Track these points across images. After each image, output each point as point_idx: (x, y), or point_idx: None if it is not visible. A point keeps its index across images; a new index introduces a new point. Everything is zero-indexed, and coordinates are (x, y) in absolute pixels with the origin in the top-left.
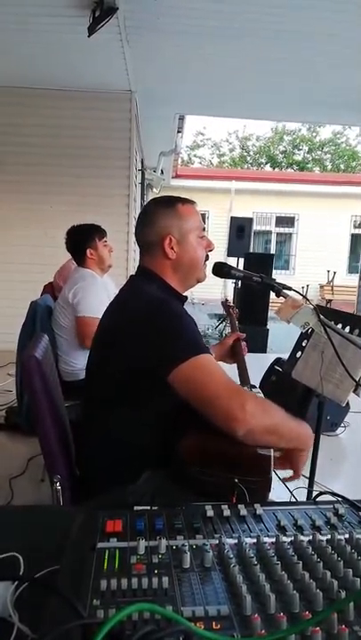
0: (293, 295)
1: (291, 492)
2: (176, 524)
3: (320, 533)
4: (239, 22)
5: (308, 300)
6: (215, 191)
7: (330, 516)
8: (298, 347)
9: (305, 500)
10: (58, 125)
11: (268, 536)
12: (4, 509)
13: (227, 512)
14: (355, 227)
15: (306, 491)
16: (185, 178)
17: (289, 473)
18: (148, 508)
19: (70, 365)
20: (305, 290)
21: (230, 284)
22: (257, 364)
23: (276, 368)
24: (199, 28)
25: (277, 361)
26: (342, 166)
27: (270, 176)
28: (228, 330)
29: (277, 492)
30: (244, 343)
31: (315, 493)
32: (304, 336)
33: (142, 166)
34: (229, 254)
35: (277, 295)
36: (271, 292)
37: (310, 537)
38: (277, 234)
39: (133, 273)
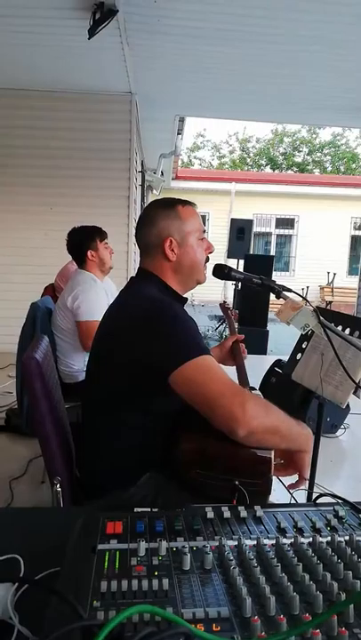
0: (293, 297)
1: (291, 494)
2: (176, 525)
3: (320, 535)
4: (239, 25)
5: (308, 301)
6: (215, 193)
7: (330, 518)
8: (298, 348)
9: (305, 501)
10: (58, 127)
11: (268, 538)
12: (5, 511)
13: (227, 514)
14: (355, 228)
15: (306, 493)
16: (185, 179)
17: (294, 478)
18: (149, 509)
19: (69, 367)
20: (305, 291)
21: (230, 285)
22: (257, 366)
23: (276, 370)
24: (199, 30)
25: (277, 363)
26: (342, 168)
27: (270, 178)
28: (227, 332)
29: (277, 494)
30: (243, 345)
31: (315, 495)
32: (304, 338)
33: (142, 168)
34: (229, 256)
35: (277, 297)
36: (271, 294)
37: (310, 539)
38: (277, 235)
39: (134, 275)
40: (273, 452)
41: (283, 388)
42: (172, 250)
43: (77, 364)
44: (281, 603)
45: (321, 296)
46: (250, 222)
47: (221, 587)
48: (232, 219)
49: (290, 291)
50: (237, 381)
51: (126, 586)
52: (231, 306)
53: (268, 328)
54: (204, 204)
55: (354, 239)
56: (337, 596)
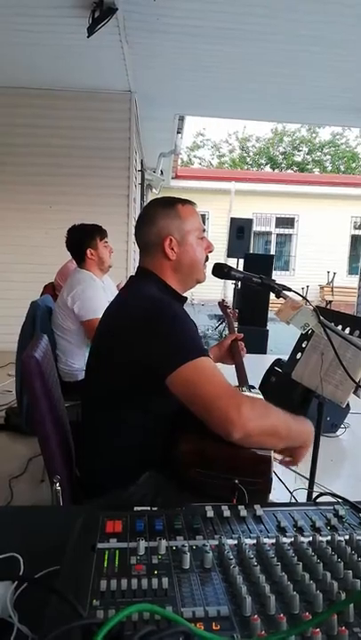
0: (293, 296)
1: (291, 493)
2: (176, 524)
3: (320, 534)
4: (238, 24)
5: (307, 301)
6: (215, 192)
7: (330, 518)
8: (298, 348)
9: (305, 501)
10: (57, 126)
11: (268, 537)
12: (4, 510)
13: (227, 513)
14: (355, 228)
15: (306, 492)
16: (185, 179)
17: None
18: (148, 508)
19: (69, 366)
20: (305, 291)
21: (230, 284)
22: (257, 365)
23: (276, 369)
24: (199, 28)
25: (277, 362)
26: (342, 167)
27: (270, 177)
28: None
29: (277, 493)
30: (242, 343)
31: (315, 494)
32: (304, 337)
33: (142, 167)
34: (229, 255)
35: (277, 296)
36: (271, 293)
37: (310, 538)
38: (277, 235)
39: (133, 274)
40: (273, 451)
41: (283, 387)
42: (172, 249)
43: (77, 362)
44: (281, 602)
45: (321, 295)
46: (250, 221)
47: (221, 586)
48: (232, 218)
49: (290, 290)
50: (236, 380)
51: (126, 585)
52: (231, 305)
53: (268, 327)
54: (203, 203)
55: (354, 238)
56: (337, 595)
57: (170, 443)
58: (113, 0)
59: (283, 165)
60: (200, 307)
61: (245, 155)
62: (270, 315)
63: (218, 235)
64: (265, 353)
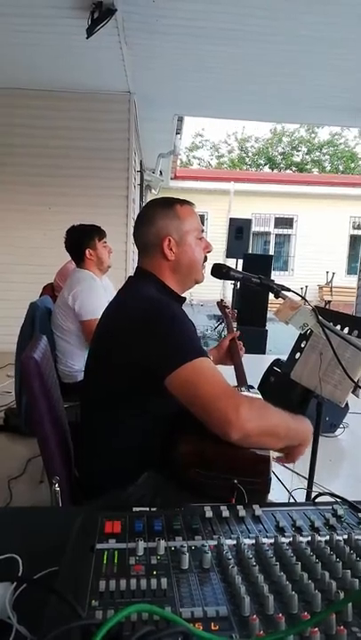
0: (292, 296)
1: (290, 493)
2: (175, 525)
3: (319, 534)
4: (239, 25)
5: (306, 301)
6: (214, 192)
7: (329, 517)
8: (297, 348)
9: (304, 500)
10: (56, 127)
11: (266, 537)
12: (3, 511)
13: (225, 513)
14: (354, 228)
15: (305, 492)
16: (184, 179)
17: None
18: (147, 509)
19: (68, 367)
20: (304, 291)
21: (229, 285)
22: (256, 365)
23: (275, 369)
24: (198, 29)
25: (276, 362)
26: (341, 167)
27: (269, 177)
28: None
29: (276, 493)
30: (240, 343)
31: (314, 494)
32: (303, 337)
33: (141, 167)
34: (228, 255)
35: (276, 296)
36: (270, 293)
37: (309, 538)
38: (276, 235)
39: (132, 274)
40: (271, 451)
41: (282, 387)
42: (171, 249)
43: (77, 363)
44: (280, 601)
45: (320, 295)
46: (249, 222)
47: (220, 586)
48: (231, 218)
49: (289, 290)
50: (235, 380)
51: (125, 585)
52: (230, 305)
53: (266, 327)
54: (202, 203)
55: (353, 238)
56: (335, 594)
57: (169, 443)
58: (112, 1)
59: (282, 166)
60: (199, 307)
61: (244, 155)
62: (269, 315)
63: (217, 235)
64: (264, 353)
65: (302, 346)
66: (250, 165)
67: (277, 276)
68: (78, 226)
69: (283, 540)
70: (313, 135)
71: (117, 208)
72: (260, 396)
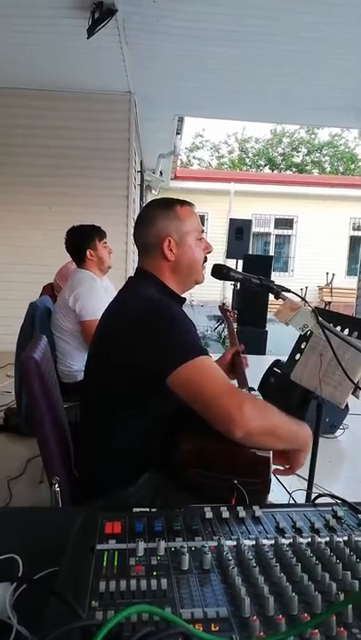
0: (292, 297)
1: (290, 494)
2: (175, 525)
3: (319, 536)
4: (239, 25)
5: (306, 302)
6: (214, 193)
7: (329, 519)
8: (297, 349)
9: (304, 502)
10: (57, 127)
11: (266, 538)
12: (3, 511)
13: (225, 514)
14: (353, 229)
15: (305, 493)
16: (184, 179)
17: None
18: (148, 509)
19: (68, 367)
20: (304, 292)
21: (229, 285)
22: (256, 366)
23: (275, 370)
24: (198, 30)
25: (276, 363)
26: (341, 168)
27: (269, 178)
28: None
29: (276, 494)
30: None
31: (314, 495)
32: (303, 338)
33: (141, 168)
34: (228, 256)
35: (276, 297)
36: (270, 294)
37: (309, 539)
38: (276, 236)
39: (132, 275)
40: (272, 452)
41: (282, 388)
42: (171, 250)
43: (77, 363)
44: (280, 603)
45: (320, 296)
46: (249, 222)
47: (220, 587)
48: (231, 219)
49: (289, 291)
50: (237, 384)
51: (125, 586)
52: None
53: (266, 328)
54: (202, 204)
55: (353, 239)
56: (336, 596)
57: (169, 444)
58: (113, 1)
59: (282, 166)
60: (199, 307)
61: (245, 156)
62: (269, 316)
63: (217, 236)
64: (264, 354)
65: (302, 347)
66: (250, 166)
67: (277, 277)
68: (79, 226)
69: (283, 541)
70: (313, 136)
71: (118, 208)
72: (260, 398)
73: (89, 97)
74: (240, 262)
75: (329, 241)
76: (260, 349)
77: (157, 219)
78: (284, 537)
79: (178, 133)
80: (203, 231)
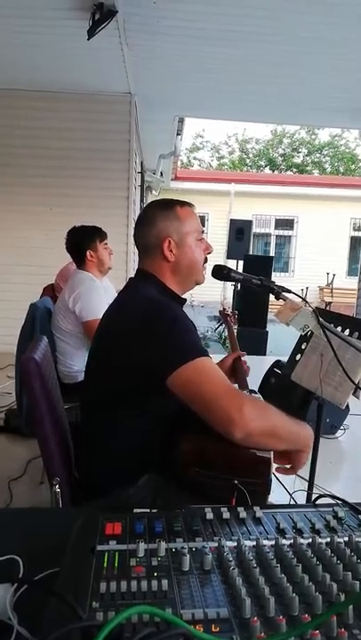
0: (293, 297)
1: (290, 495)
2: (175, 526)
3: (320, 536)
4: (239, 26)
5: (307, 302)
6: (215, 194)
7: (329, 519)
8: (297, 349)
9: (305, 502)
10: (57, 128)
11: (267, 539)
12: (4, 511)
13: (226, 515)
14: (354, 229)
15: (305, 493)
16: (184, 180)
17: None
18: (148, 510)
19: (69, 367)
20: (304, 292)
21: (230, 286)
22: (256, 367)
23: (276, 370)
24: (199, 31)
25: (277, 363)
26: (341, 169)
27: (270, 179)
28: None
29: (277, 495)
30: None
31: (314, 496)
32: (303, 339)
33: (142, 168)
34: (229, 257)
35: (277, 298)
36: (270, 295)
37: (310, 540)
38: (277, 236)
39: (133, 275)
40: (272, 453)
41: (282, 388)
42: (171, 250)
43: (77, 364)
44: (280, 603)
45: (320, 297)
46: (249, 223)
47: (221, 587)
48: (231, 219)
49: (289, 291)
50: (237, 387)
51: (125, 586)
52: (231, 307)
53: (267, 329)
54: (203, 204)
55: (353, 240)
56: (336, 596)
57: (169, 444)
58: (113, 2)
59: (282, 167)
60: (200, 308)
61: (245, 156)
62: (270, 316)
63: (217, 236)
64: (264, 354)
65: (303, 347)
66: (250, 167)
67: (278, 278)
68: (79, 227)
69: (283, 541)
70: (313, 137)
71: (118, 209)
72: (261, 399)
73: (89, 98)
74: (240, 263)
75: (329, 241)
76: (260, 350)
77: (157, 219)
78: (284, 537)
79: (178, 134)
80: (203, 232)
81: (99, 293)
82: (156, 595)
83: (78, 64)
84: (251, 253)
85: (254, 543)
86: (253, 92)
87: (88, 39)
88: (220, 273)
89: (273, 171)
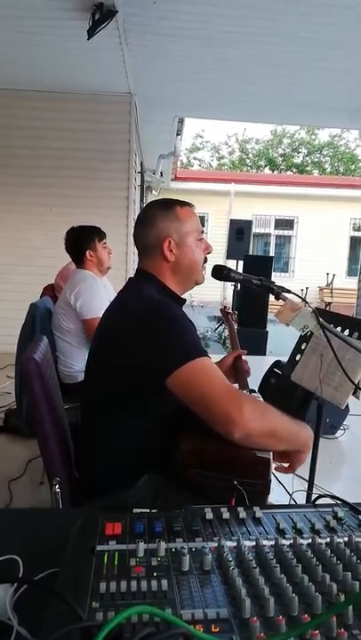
0: (292, 298)
1: (290, 495)
2: (175, 526)
3: (319, 536)
4: (239, 26)
5: (307, 302)
6: (215, 194)
7: (329, 520)
8: (297, 349)
9: (304, 502)
10: (57, 128)
11: (267, 539)
12: (4, 512)
13: (226, 515)
14: (354, 229)
15: (305, 494)
16: (184, 180)
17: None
18: (148, 510)
19: (69, 367)
20: (304, 292)
21: (230, 286)
22: (256, 367)
23: (276, 371)
24: (199, 31)
25: (277, 363)
26: (341, 169)
27: (270, 179)
28: (227, 332)
29: (277, 495)
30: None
31: (314, 496)
32: (303, 339)
33: (142, 168)
34: (229, 257)
35: (277, 298)
36: (270, 295)
37: (310, 540)
38: (277, 236)
39: (132, 275)
40: (272, 453)
41: (282, 388)
42: (171, 250)
43: (77, 364)
44: (280, 604)
45: (320, 297)
46: (249, 223)
47: (220, 588)
48: (231, 219)
49: (289, 292)
50: (237, 386)
51: (125, 587)
52: (231, 307)
53: (267, 329)
54: (203, 204)
55: (353, 240)
56: (336, 597)
57: (169, 444)
58: (113, 2)
59: (282, 167)
60: (199, 308)
61: (245, 156)
62: (270, 316)
63: (217, 236)
64: (264, 354)
65: (303, 347)
66: (250, 167)
67: (278, 278)
68: (78, 227)
69: (283, 542)
70: (313, 137)
71: (118, 209)
72: (261, 399)
73: (89, 98)
74: (240, 263)
75: (329, 241)
76: (260, 350)
77: (157, 219)
78: (284, 538)
79: (178, 134)
80: (203, 232)
81: (99, 292)
82: (155, 595)
83: (78, 64)
84: (251, 253)
85: (254, 543)
86: (252, 92)
87: (88, 39)
88: (220, 273)
89: (273, 171)
